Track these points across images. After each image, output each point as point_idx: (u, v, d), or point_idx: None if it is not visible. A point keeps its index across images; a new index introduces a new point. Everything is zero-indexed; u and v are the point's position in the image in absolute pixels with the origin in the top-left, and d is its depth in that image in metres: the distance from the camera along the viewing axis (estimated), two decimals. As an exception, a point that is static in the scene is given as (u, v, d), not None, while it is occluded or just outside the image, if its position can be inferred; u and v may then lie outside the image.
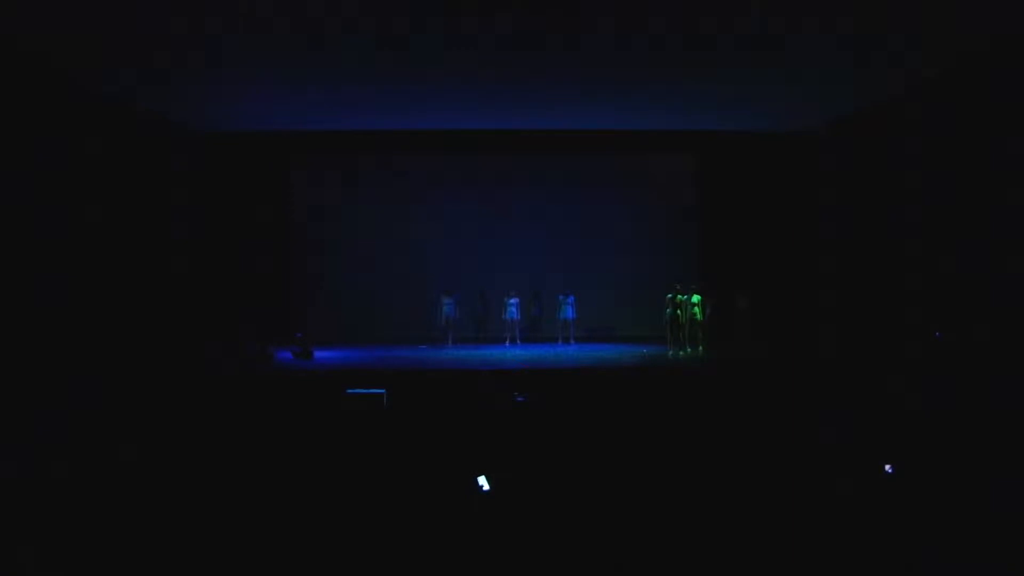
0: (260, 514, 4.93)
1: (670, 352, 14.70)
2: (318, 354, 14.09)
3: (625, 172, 17.98)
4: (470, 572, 4.27)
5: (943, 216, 11.74)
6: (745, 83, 12.23)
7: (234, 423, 7.91)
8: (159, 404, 8.99)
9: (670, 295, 15.14)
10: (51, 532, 4.65)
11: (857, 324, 13.84)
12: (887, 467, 5.61)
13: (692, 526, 4.73)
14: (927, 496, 5.23)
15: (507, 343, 16.19)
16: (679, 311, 15.02)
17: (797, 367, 12.50)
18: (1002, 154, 10.40)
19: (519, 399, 8.53)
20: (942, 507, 5.00)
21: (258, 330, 14.30)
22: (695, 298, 15.02)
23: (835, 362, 12.58)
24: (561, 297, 16.38)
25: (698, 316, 14.94)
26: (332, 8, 8.88)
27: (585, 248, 17.86)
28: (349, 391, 9.04)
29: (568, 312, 16.24)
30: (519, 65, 11.18)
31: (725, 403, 9.06)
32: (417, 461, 5.99)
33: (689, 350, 14.94)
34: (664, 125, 15.59)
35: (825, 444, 6.51)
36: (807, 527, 4.71)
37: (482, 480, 5.15)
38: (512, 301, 16.24)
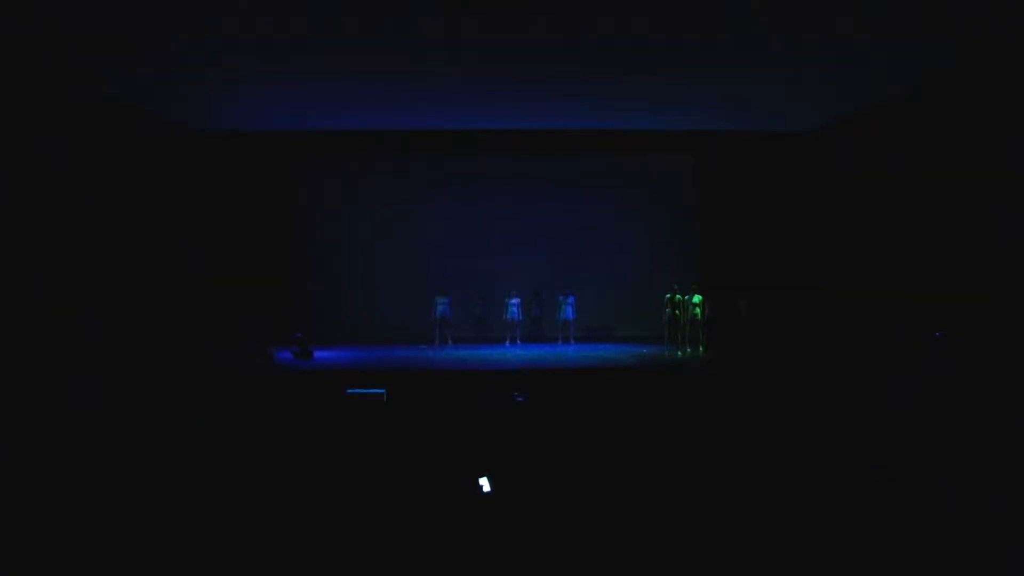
0: (260, 514, 4.94)
1: (667, 352, 14.71)
2: (318, 354, 14.09)
3: (625, 172, 17.99)
4: (470, 572, 4.27)
5: (943, 216, 11.74)
6: (745, 83, 12.24)
7: (234, 423, 7.90)
8: (159, 404, 8.99)
9: (669, 295, 15.18)
10: (51, 532, 4.65)
11: (857, 324, 13.84)
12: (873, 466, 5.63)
13: (692, 526, 4.73)
14: (926, 496, 5.23)
15: (507, 343, 16.19)
16: (678, 311, 15.05)
17: (797, 367, 12.50)
18: (1002, 154, 10.40)
19: (519, 399, 8.52)
20: (941, 507, 5.00)
21: (258, 330, 14.30)
22: (696, 298, 15.03)
23: (835, 362, 12.58)
24: (561, 297, 16.39)
25: (698, 316, 14.96)
26: (332, 8, 8.89)
27: (585, 248, 17.88)
28: (349, 391, 9.04)
29: (568, 312, 16.24)
30: (519, 65, 11.19)
31: (725, 403, 9.06)
32: (417, 461, 5.99)
33: (689, 350, 14.94)
34: (664, 125, 15.61)
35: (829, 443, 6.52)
36: (807, 527, 4.71)
37: (483, 481, 5.15)
38: (513, 301, 16.23)
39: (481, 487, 5.12)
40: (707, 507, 5.01)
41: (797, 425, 7.66)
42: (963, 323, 10.97)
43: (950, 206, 11.60)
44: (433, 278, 16.75)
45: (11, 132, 10.38)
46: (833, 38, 9.98)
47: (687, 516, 4.87)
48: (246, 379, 11.65)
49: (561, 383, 11.11)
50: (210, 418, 8.18)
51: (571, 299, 16.28)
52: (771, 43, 10.19)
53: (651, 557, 4.37)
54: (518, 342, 16.25)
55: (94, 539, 4.58)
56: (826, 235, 15.26)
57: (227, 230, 16.05)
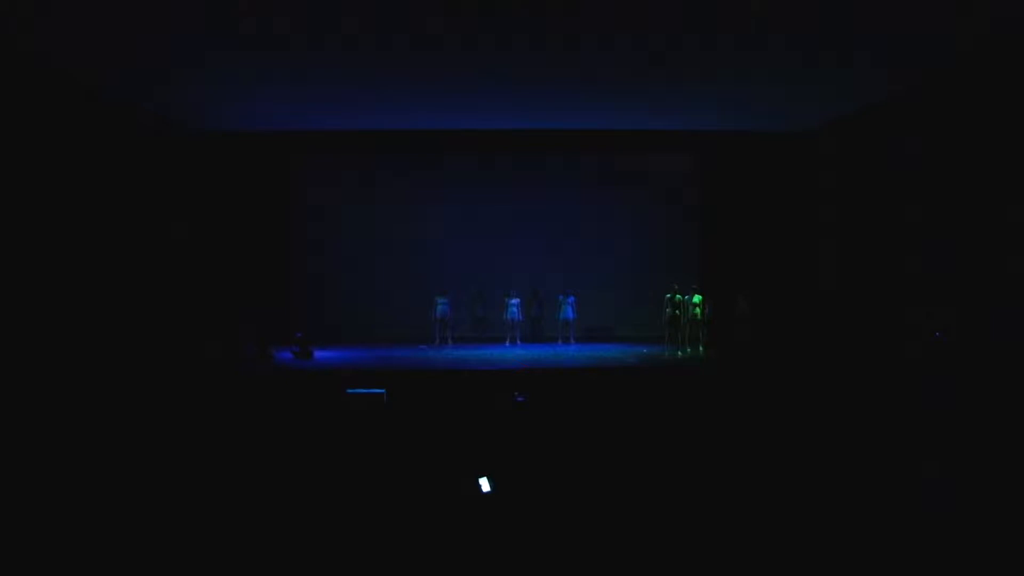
0: (260, 514, 4.94)
1: (667, 352, 14.71)
2: (318, 354, 14.09)
3: (625, 172, 17.99)
4: (470, 572, 4.26)
5: (943, 216, 11.74)
6: (745, 83, 12.23)
7: (234, 423, 7.90)
8: (159, 404, 8.99)
9: (669, 295, 15.19)
10: (52, 532, 4.65)
11: (857, 323, 13.84)
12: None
13: (692, 526, 4.73)
14: (925, 496, 5.23)
15: (507, 343, 16.19)
16: (678, 311, 15.06)
17: (797, 367, 12.50)
18: (1002, 154, 10.40)
19: (519, 399, 8.52)
20: (940, 508, 5.00)
21: (258, 330, 14.30)
22: (696, 298, 15.04)
23: (834, 360, 12.58)
24: (561, 297, 16.39)
25: (698, 316, 14.96)
26: (332, 8, 8.89)
27: (585, 248, 17.88)
28: (349, 391, 9.04)
29: (568, 312, 16.24)
30: (519, 65, 11.18)
31: (725, 403, 9.06)
32: (417, 461, 5.99)
33: (689, 350, 14.94)
34: (664, 125, 15.60)
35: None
36: (806, 527, 4.71)
37: (483, 481, 5.15)
38: (513, 301, 16.24)
39: (481, 487, 5.12)
40: (707, 506, 5.01)
41: (797, 425, 7.66)
42: (962, 323, 10.96)
43: (950, 206, 11.60)
44: (433, 278, 16.75)
45: (11, 132, 10.38)
46: (833, 38, 9.98)
47: (687, 515, 4.87)
48: (246, 379, 11.66)
49: (561, 383, 11.11)
50: (210, 418, 8.18)
51: (571, 299, 16.27)
52: (771, 43, 10.19)
53: (651, 556, 4.36)
54: (518, 342, 16.25)
55: (95, 539, 4.58)
56: (826, 235, 15.26)
57: (227, 230, 16.05)
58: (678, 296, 15.16)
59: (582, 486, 5.33)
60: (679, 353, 14.66)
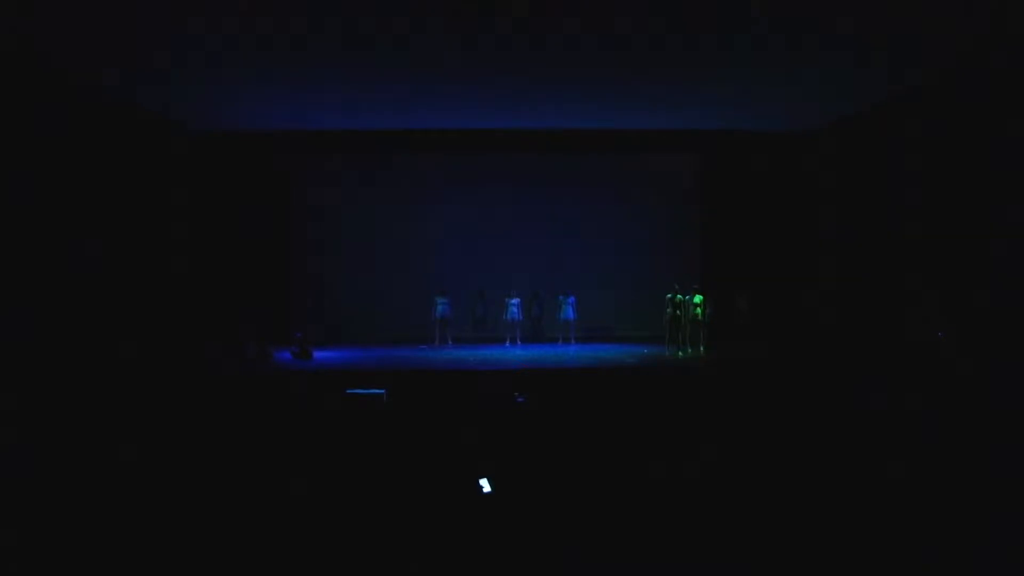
0: (260, 514, 4.94)
1: (667, 352, 14.71)
2: (318, 354, 14.09)
3: (626, 172, 18.00)
4: (470, 572, 4.26)
5: (943, 216, 11.74)
6: (745, 83, 12.23)
7: (234, 423, 7.90)
8: (159, 404, 8.98)
9: (670, 295, 15.19)
10: (51, 532, 4.65)
11: (857, 324, 13.84)
12: None
13: (692, 526, 4.73)
14: (926, 496, 5.23)
15: (507, 343, 16.19)
16: (678, 311, 15.06)
17: (797, 367, 12.50)
18: (1002, 154, 10.40)
19: (519, 399, 8.52)
20: (940, 507, 5.00)
21: (258, 330, 14.30)
22: (696, 298, 15.03)
23: (834, 361, 12.59)
24: (561, 297, 16.40)
25: (699, 316, 14.96)
26: (332, 8, 8.89)
27: (585, 248, 17.89)
28: (349, 391, 9.04)
29: (568, 312, 16.25)
30: (519, 65, 11.18)
31: (725, 403, 9.06)
32: (417, 461, 5.99)
33: (689, 350, 14.94)
34: (665, 125, 15.59)
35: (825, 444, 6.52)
36: (807, 527, 4.71)
37: (483, 481, 5.15)
38: (513, 302, 16.24)
39: (481, 487, 5.12)
40: (707, 506, 5.01)
41: (797, 425, 7.66)
42: (963, 323, 10.96)
43: (950, 206, 11.60)
44: (433, 278, 16.75)
45: (11, 132, 10.38)
46: (833, 38, 9.98)
47: (687, 515, 4.87)
48: (246, 379, 11.66)
49: (561, 383, 11.11)
50: (210, 418, 8.18)
51: (571, 299, 16.28)
52: (771, 43, 10.19)
53: (651, 557, 4.36)
54: (518, 342, 16.25)
55: (95, 538, 4.58)
56: (826, 235, 15.26)
57: (227, 230, 16.05)
58: (678, 296, 15.16)
59: (582, 486, 5.33)
60: (679, 353, 14.66)
